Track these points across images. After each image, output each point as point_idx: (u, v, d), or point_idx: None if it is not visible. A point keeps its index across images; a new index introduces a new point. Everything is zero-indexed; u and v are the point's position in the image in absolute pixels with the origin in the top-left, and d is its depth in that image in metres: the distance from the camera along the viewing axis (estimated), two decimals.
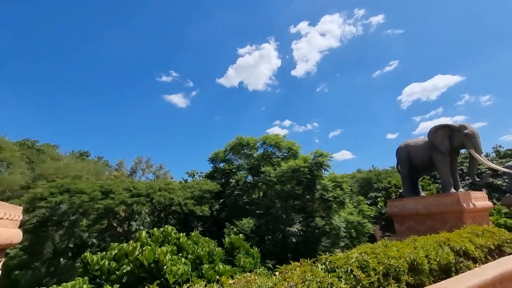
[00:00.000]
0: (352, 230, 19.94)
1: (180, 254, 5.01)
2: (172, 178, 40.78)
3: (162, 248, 4.51)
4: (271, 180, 18.29)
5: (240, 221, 15.68)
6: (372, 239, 22.94)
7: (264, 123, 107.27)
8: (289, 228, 17.60)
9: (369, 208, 24.64)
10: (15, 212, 4.31)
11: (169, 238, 5.42)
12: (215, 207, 19.61)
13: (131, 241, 5.21)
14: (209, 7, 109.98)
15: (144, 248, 4.60)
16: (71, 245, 19.44)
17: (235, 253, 6.21)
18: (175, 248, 4.99)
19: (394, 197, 22.50)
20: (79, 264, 6.27)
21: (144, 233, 5.56)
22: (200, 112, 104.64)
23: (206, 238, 6.05)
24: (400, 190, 22.29)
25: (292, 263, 3.33)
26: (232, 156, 23.04)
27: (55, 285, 4.77)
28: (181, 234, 5.63)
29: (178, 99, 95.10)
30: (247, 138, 22.12)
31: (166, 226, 5.83)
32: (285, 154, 21.73)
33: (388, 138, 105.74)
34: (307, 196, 18.09)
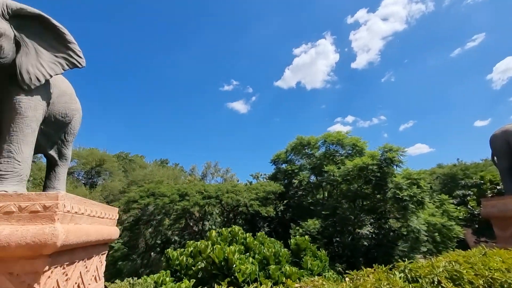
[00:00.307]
0: (436, 234, 17.30)
1: (248, 254, 5.14)
2: (238, 181, 42.60)
3: (231, 247, 4.69)
4: (336, 179, 17.34)
5: (306, 222, 15.28)
6: (463, 245, 19.49)
7: (324, 121, 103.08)
8: (359, 230, 16.36)
9: (456, 208, 21.06)
10: (113, 212, 5.06)
11: (237, 237, 5.62)
12: (279, 208, 19.63)
13: (203, 239, 5.60)
14: (261, 13, 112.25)
15: (214, 247, 4.88)
16: (159, 241, 22.09)
17: (302, 255, 6.03)
18: (242, 247, 5.13)
19: (490, 195, 18.75)
20: (163, 258, 7.02)
21: (214, 233, 5.91)
22: (261, 116, 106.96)
23: (272, 238, 6.06)
24: (498, 187, 18.45)
25: (364, 269, 3.01)
26: (293, 157, 22.78)
27: (145, 276, 5.41)
28: (248, 234, 5.77)
29: (239, 106, 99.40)
30: (307, 138, 21.57)
31: (233, 226, 6.07)
32: (349, 152, 20.37)
33: (477, 126, 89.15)
34: (378, 196, 16.52)
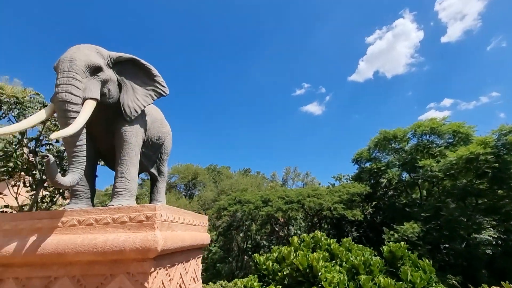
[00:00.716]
0: None
1: (334, 262, 4.75)
2: (320, 184, 41.23)
3: (314, 254, 4.44)
4: (435, 175, 14.68)
5: (401, 226, 13.33)
6: None
7: (413, 110, 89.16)
8: (475, 235, 13.24)
9: None
10: (203, 220, 5.56)
11: (320, 244, 5.29)
12: (367, 211, 17.83)
13: (285, 245, 5.51)
14: (324, 9, 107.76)
15: (297, 253, 4.73)
16: (250, 246, 23.28)
17: (398, 264, 5.16)
18: (327, 254, 4.78)
19: None
20: (251, 263, 7.29)
21: (295, 239, 5.76)
22: (337, 115, 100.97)
23: (360, 245, 5.44)
24: None
25: None
26: (378, 154, 20.55)
27: (236, 279, 5.68)
28: (332, 240, 5.36)
29: (313, 108, 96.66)
30: (392, 131, 19.11)
31: (315, 232, 5.77)
32: (450, 141, 16.99)
33: None
34: (499, 192, 13.08)
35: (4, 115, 6.63)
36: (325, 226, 18.54)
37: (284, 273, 4.73)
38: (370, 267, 4.55)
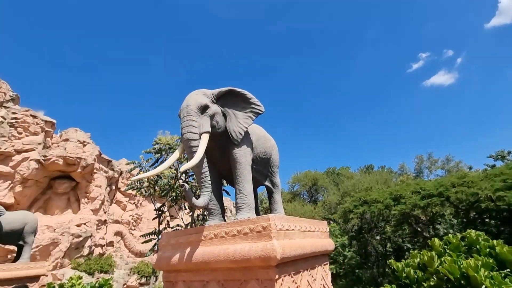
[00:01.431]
0: None
1: (507, 271, 3.36)
2: (470, 169, 31.98)
3: (470, 260, 3.31)
4: None
5: None
6: None
7: None
8: None
9: None
10: (322, 226, 5.38)
11: (477, 246, 3.88)
12: None
13: (424, 250, 4.41)
14: None
15: (443, 259, 3.68)
16: (390, 249, 20.42)
17: None
18: (491, 261, 3.44)
19: None
20: (387, 270, 6.35)
21: (437, 241, 4.52)
22: (478, 78, 76.81)
23: None
24: None
25: None
26: None
27: (368, 287, 5.06)
28: (497, 241, 3.84)
29: (441, 78, 77.32)
30: None
31: (468, 231, 4.33)
32: None
33: None
34: None
35: (164, 159, 8.98)
36: (490, 222, 13.73)
37: (431, 283, 3.77)
38: None
